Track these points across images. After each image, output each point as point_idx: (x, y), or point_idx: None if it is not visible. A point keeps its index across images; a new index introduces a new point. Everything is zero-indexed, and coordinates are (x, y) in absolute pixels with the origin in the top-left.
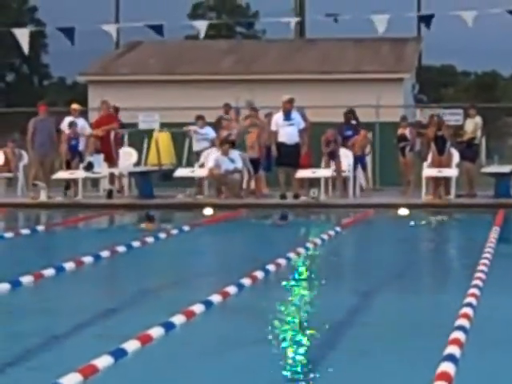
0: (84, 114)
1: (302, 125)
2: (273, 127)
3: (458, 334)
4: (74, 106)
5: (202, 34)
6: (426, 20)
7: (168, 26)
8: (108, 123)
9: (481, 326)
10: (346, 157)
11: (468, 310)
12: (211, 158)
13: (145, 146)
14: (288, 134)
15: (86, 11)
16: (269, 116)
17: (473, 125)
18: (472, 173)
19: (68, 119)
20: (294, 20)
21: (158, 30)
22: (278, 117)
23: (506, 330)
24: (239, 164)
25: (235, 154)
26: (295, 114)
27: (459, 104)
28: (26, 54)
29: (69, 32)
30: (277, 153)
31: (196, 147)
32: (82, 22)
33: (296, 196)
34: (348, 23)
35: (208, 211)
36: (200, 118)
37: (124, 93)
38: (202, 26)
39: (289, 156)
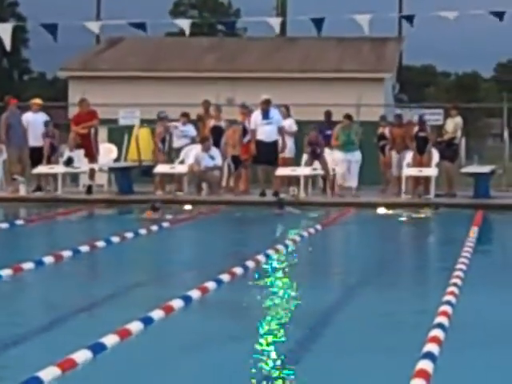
0: (62, 108)
1: (281, 123)
2: (252, 126)
3: (437, 332)
4: (36, 100)
5: (187, 32)
6: (408, 20)
7: (150, 23)
8: (88, 120)
9: (459, 324)
10: (330, 156)
11: (447, 308)
12: (191, 154)
13: (125, 141)
14: (266, 132)
15: (67, 6)
16: (243, 109)
17: (453, 125)
18: (451, 173)
19: (28, 115)
20: (276, 20)
21: (141, 27)
22: (257, 115)
23: (484, 329)
24: (219, 161)
25: (215, 151)
26: (274, 113)
27: (439, 104)
28: (8, 50)
29: (51, 28)
30: (255, 151)
31: (176, 144)
32: (63, 17)
33: (275, 194)
34: (330, 23)
35: (187, 207)
36: (185, 115)
37: (105, 89)
38: (185, 24)
39: (267, 154)
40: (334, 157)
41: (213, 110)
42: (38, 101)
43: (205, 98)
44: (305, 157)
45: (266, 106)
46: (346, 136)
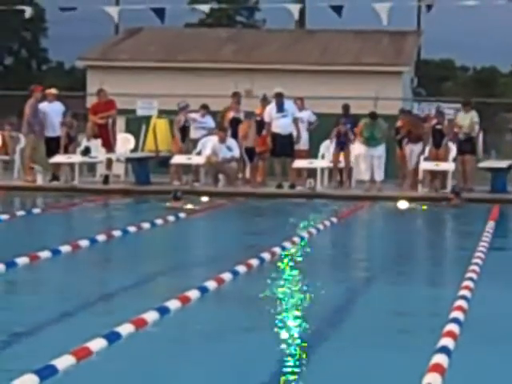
0: (80, 98)
1: (296, 114)
2: (266, 119)
3: (452, 327)
4: (52, 90)
5: (207, 10)
6: (428, 7)
7: (170, 11)
8: (106, 110)
9: (475, 319)
10: (354, 149)
11: (462, 303)
12: (208, 145)
13: (142, 132)
14: (282, 125)
15: None
16: (263, 101)
17: (469, 120)
18: (471, 165)
19: (44, 105)
20: (295, 7)
21: (160, 14)
22: (271, 108)
23: (499, 324)
24: (236, 152)
25: (232, 141)
26: (288, 105)
27: (457, 98)
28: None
29: (70, 11)
30: (272, 144)
31: (193, 135)
32: (82, 4)
33: (292, 186)
34: (350, 13)
35: (204, 199)
36: (204, 107)
37: (123, 79)
38: (204, 8)
39: (283, 146)
40: (355, 151)
41: (232, 101)
42: (53, 91)
43: (223, 89)
44: (322, 149)
45: (279, 99)
46: (369, 133)
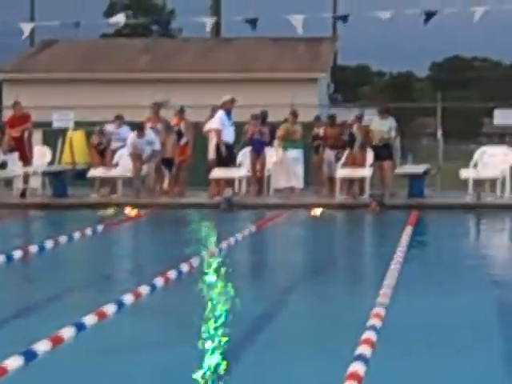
0: None
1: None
2: (217, 126)
3: (370, 334)
4: None
5: (123, 23)
6: (343, 19)
7: (84, 23)
8: (22, 123)
9: (392, 326)
10: (271, 157)
11: (380, 310)
12: (128, 142)
13: (59, 144)
14: (231, 133)
15: (1, 9)
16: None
17: (387, 126)
18: (389, 171)
19: None
20: (210, 20)
21: (75, 27)
22: (222, 115)
23: (416, 331)
24: (157, 145)
25: (151, 134)
26: (231, 114)
27: (374, 104)
28: None
29: None
30: (217, 153)
31: (112, 146)
32: None
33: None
34: (265, 23)
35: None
36: (118, 118)
37: (39, 91)
38: (120, 18)
39: (230, 155)
40: (272, 158)
41: (151, 112)
42: None
43: (139, 100)
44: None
45: (231, 106)
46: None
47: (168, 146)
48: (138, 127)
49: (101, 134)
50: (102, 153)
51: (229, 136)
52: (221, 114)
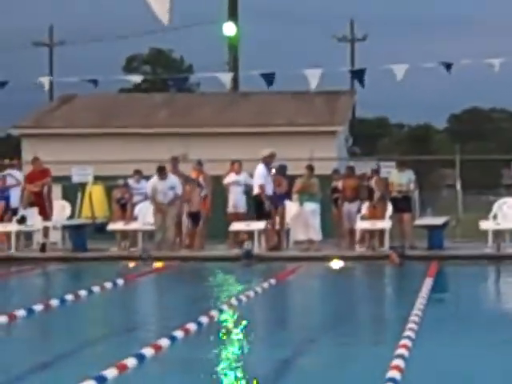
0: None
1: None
2: (260, 180)
3: None
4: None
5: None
6: (359, 75)
7: (103, 79)
8: (42, 178)
9: (412, 377)
10: (290, 211)
11: (399, 362)
12: (145, 211)
13: (78, 198)
14: (270, 187)
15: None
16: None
17: (405, 178)
18: (409, 223)
19: None
20: (228, 75)
21: (93, 83)
22: (263, 169)
23: (436, 382)
24: (179, 190)
25: (173, 179)
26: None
27: (392, 157)
28: None
29: (2, 84)
30: (257, 206)
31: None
32: (16, 76)
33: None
34: (282, 78)
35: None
36: (137, 172)
37: (58, 146)
38: (137, 79)
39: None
40: (291, 212)
41: (170, 166)
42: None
43: (158, 154)
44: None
45: (271, 160)
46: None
47: (194, 200)
48: (159, 169)
49: (124, 188)
50: (124, 207)
51: (270, 190)
52: (262, 168)
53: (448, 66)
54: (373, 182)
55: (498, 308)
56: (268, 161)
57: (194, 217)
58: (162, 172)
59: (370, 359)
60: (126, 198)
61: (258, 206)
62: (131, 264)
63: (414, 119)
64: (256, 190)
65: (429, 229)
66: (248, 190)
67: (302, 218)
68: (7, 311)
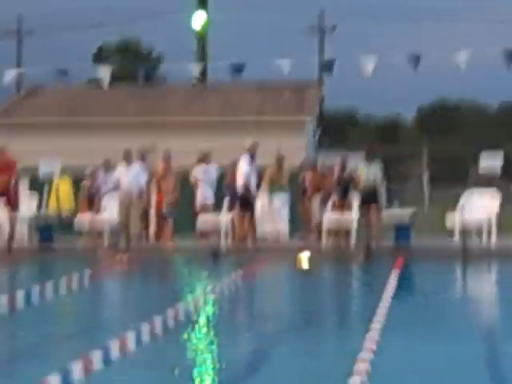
0: None
1: None
2: (244, 170)
3: (357, 379)
4: None
5: (106, 83)
6: (328, 66)
7: (71, 70)
8: (8, 169)
9: (380, 370)
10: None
11: (367, 355)
12: (112, 203)
13: (45, 191)
14: (255, 179)
15: None
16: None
17: (373, 170)
18: (376, 215)
19: None
20: (196, 66)
21: (63, 73)
22: (247, 159)
23: (403, 374)
24: (143, 179)
25: (139, 168)
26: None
27: (360, 148)
28: None
29: None
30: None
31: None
32: None
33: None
34: (250, 68)
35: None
36: (106, 162)
37: (26, 136)
38: (105, 71)
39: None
40: (259, 203)
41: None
42: None
43: (126, 144)
44: (226, 202)
45: (254, 150)
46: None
47: (173, 191)
48: (126, 154)
49: (93, 176)
50: (92, 199)
51: (254, 181)
52: (246, 158)
53: (416, 59)
54: (350, 176)
55: (464, 301)
56: (252, 151)
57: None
58: (127, 157)
59: (336, 352)
60: (96, 187)
61: (243, 200)
62: (99, 257)
63: (383, 111)
64: (240, 187)
65: (395, 222)
66: (216, 181)
67: (270, 209)
68: None
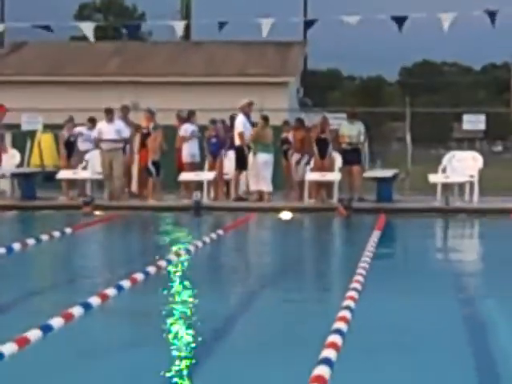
0: None
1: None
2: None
3: (335, 338)
4: None
5: (91, 37)
6: (310, 25)
7: (55, 26)
8: None
9: (358, 329)
10: (230, 160)
11: (346, 313)
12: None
13: (28, 147)
14: (248, 136)
15: None
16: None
17: (355, 130)
18: (358, 175)
19: None
20: (180, 23)
21: (46, 29)
22: (243, 119)
23: (382, 333)
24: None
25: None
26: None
27: (343, 108)
28: None
29: None
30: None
31: (81, 147)
32: None
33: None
34: (234, 26)
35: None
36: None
37: (8, 93)
38: (89, 28)
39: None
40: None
41: (120, 115)
42: None
43: (109, 102)
44: (210, 158)
45: (249, 109)
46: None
47: (158, 149)
48: (107, 111)
49: (70, 124)
50: (70, 152)
51: (248, 139)
52: (241, 117)
53: (400, 20)
54: (327, 134)
55: (444, 260)
56: (246, 110)
57: (156, 166)
58: (109, 114)
59: (316, 310)
60: (74, 136)
61: (239, 156)
62: (81, 213)
63: (366, 71)
64: (237, 141)
65: (378, 181)
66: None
67: (254, 168)
68: None
